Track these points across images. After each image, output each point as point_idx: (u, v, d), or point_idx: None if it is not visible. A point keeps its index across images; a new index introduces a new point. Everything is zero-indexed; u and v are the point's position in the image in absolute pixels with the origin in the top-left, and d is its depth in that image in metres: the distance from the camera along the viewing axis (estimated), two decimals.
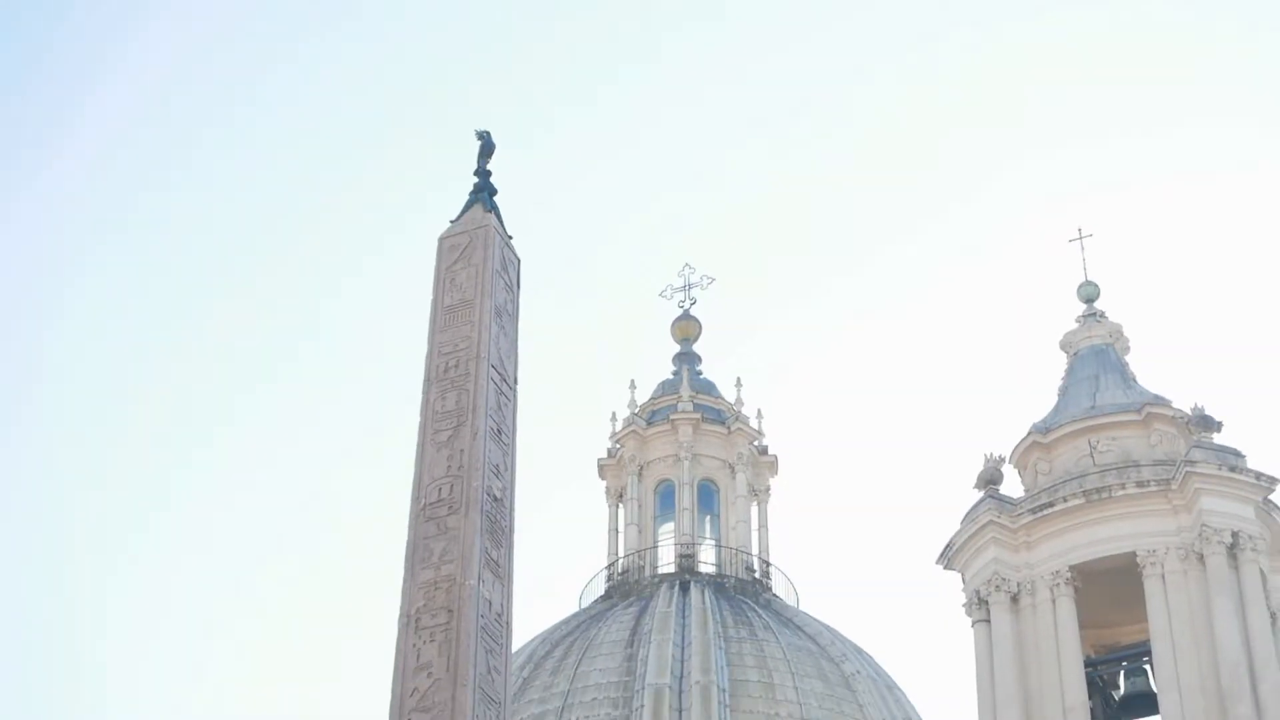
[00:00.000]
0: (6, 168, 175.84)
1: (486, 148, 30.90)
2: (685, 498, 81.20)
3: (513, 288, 32.49)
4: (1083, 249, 63.12)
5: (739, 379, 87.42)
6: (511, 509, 29.45)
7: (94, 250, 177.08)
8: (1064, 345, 64.79)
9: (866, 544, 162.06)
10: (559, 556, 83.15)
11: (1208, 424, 57.57)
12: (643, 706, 68.37)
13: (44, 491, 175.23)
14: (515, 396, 31.32)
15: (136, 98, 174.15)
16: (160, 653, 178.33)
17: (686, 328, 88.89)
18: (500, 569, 28.78)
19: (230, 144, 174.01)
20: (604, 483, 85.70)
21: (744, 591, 78.19)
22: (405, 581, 27.67)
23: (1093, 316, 64.39)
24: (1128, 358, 63.60)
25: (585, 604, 79.13)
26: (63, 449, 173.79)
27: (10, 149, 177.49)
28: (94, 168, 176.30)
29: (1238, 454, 56.84)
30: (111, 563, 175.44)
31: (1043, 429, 60.51)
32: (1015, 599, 56.99)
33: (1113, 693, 59.91)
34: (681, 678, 69.19)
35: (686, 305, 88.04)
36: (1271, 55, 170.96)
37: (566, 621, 76.54)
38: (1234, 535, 54.64)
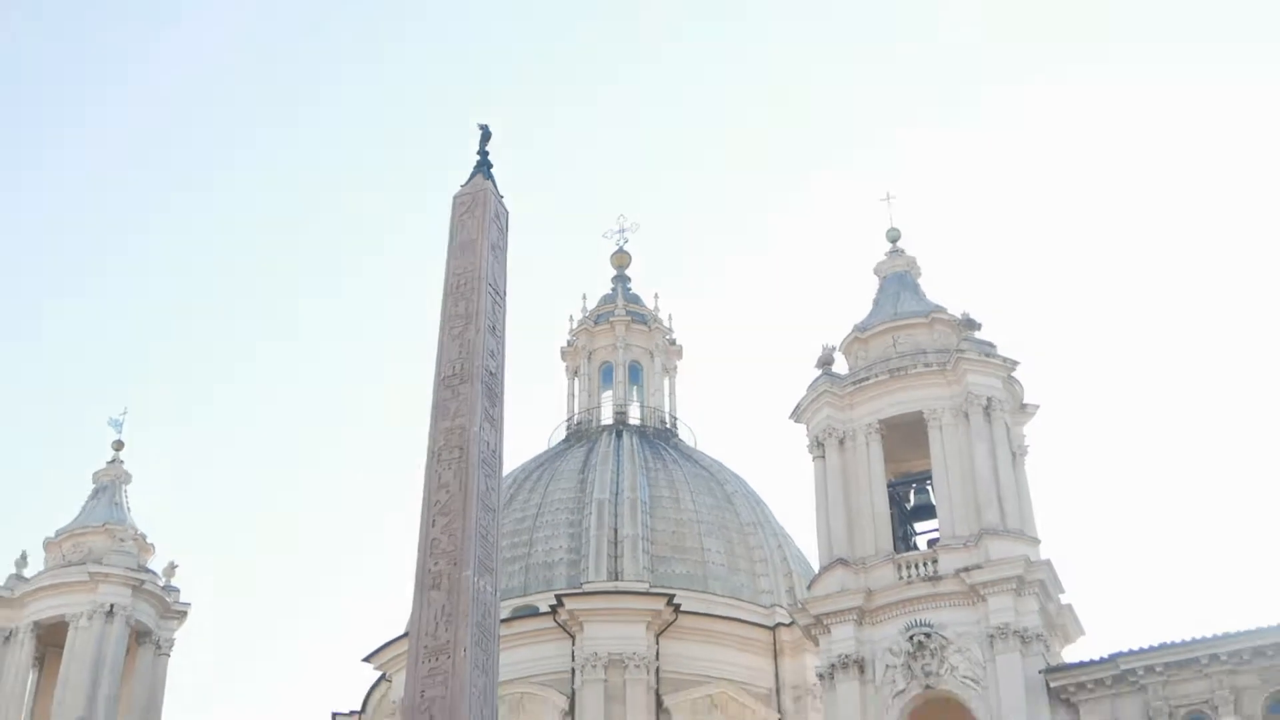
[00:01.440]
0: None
1: (485, 136, 34.88)
2: (619, 373, 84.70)
3: (504, 231, 35.34)
4: (890, 206, 64.79)
5: (656, 294, 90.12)
6: (502, 380, 32.49)
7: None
8: (876, 271, 65.08)
9: (745, 405, 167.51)
10: (534, 413, 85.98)
11: (971, 324, 58.39)
12: (591, 514, 70.79)
13: None
14: (504, 304, 33.97)
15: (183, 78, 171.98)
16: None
17: (621, 258, 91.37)
18: (495, 421, 31.65)
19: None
20: (564, 363, 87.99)
21: (660, 437, 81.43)
22: (431, 428, 30.76)
23: (896, 252, 65.02)
24: (919, 280, 64.27)
25: (551, 445, 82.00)
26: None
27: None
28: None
29: (991, 345, 57.95)
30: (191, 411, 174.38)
31: (861, 328, 61.13)
32: (842, 442, 57.60)
33: (906, 505, 60.99)
34: (616, 494, 71.68)
35: (621, 243, 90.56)
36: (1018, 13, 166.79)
37: (538, 457, 79.49)
38: (988, 400, 55.73)
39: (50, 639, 66.43)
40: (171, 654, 69.01)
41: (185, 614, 69.82)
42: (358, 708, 73.07)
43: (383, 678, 69.21)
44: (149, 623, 67.08)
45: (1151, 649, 49.21)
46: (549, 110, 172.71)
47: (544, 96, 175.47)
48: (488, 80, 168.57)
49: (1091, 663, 50.63)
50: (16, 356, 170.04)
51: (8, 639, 65.71)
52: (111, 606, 64.70)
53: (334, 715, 73.92)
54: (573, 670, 64.26)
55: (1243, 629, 48.60)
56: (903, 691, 51.28)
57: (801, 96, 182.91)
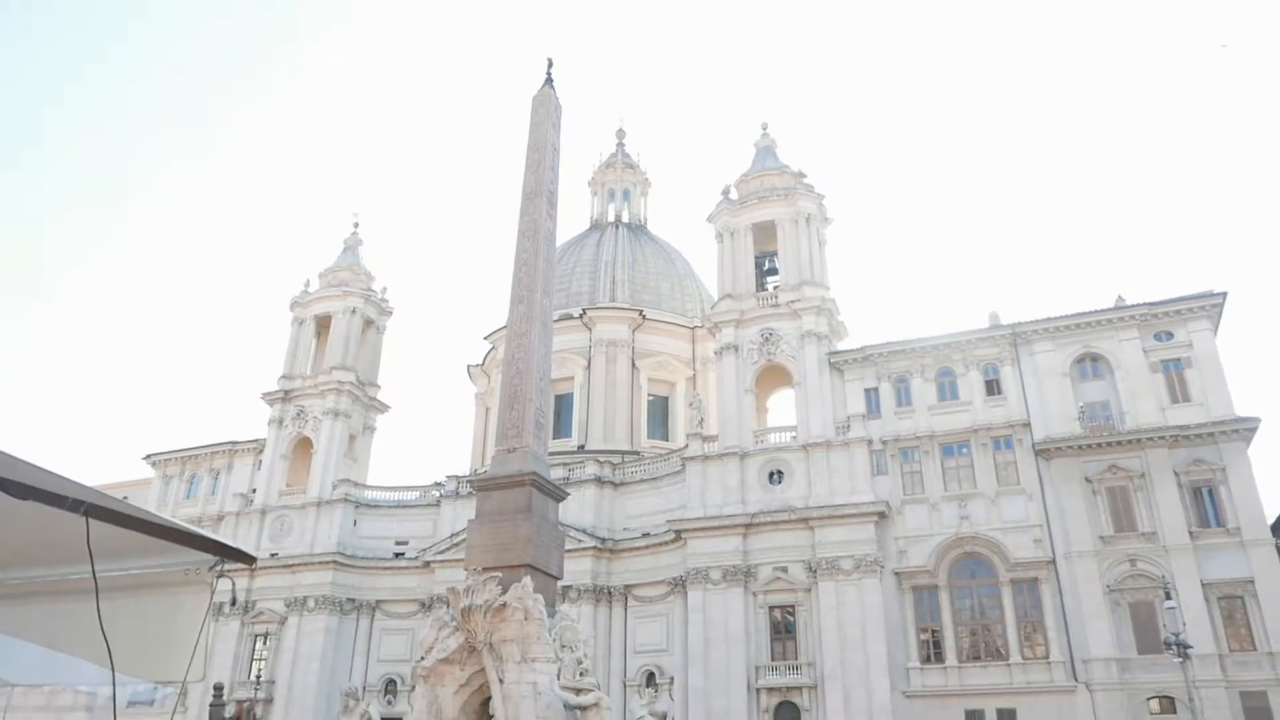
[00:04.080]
0: None
1: (549, 64, 34.97)
2: (618, 195, 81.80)
3: (560, 118, 36.99)
4: (763, 104, 62.53)
5: (639, 152, 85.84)
6: (557, 196, 34.54)
7: None
8: (755, 145, 61.87)
9: (683, 210, 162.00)
10: (574, 214, 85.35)
11: (801, 175, 58.42)
12: (601, 267, 72.25)
13: None
14: (559, 158, 36.16)
15: None
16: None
17: (620, 134, 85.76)
18: (553, 217, 34.24)
19: None
20: (590, 190, 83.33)
21: (638, 229, 79.51)
22: (520, 220, 33.80)
23: (764, 134, 61.77)
24: (777, 150, 61.64)
25: (581, 231, 79.76)
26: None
27: None
28: None
29: (811, 187, 57.87)
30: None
31: (745, 175, 59.57)
32: (733, 235, 58.09)
33: (764, 267, 59.11)
34: (614, 257, 73.06)
35: (620, 126, 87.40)
36: None
37: (575, 237, 77.61)
38: (808, 215, 56.58)
39: (324, 324, 67.99)
40: (384, 333, 70.61)
41: (392, 311, 70.60)
42: (480, 361, 74.99)
43: (492, 348, 70.69)
44: (372, 316, 69.03)
45: (880, 344, 52.76)
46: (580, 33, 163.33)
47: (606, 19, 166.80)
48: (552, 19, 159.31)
49: (851, 350, 53.91)
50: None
51: (301, 324, 68.19)
52: (355, 308, 67.31)
53: (468, 366, 76.23)
54: (589, 346, 67.33)
55: (924, 334, 52.34)
56: (756, 362, 55.02)
57: None
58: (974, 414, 49.44)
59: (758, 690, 47.03)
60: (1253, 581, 41.76)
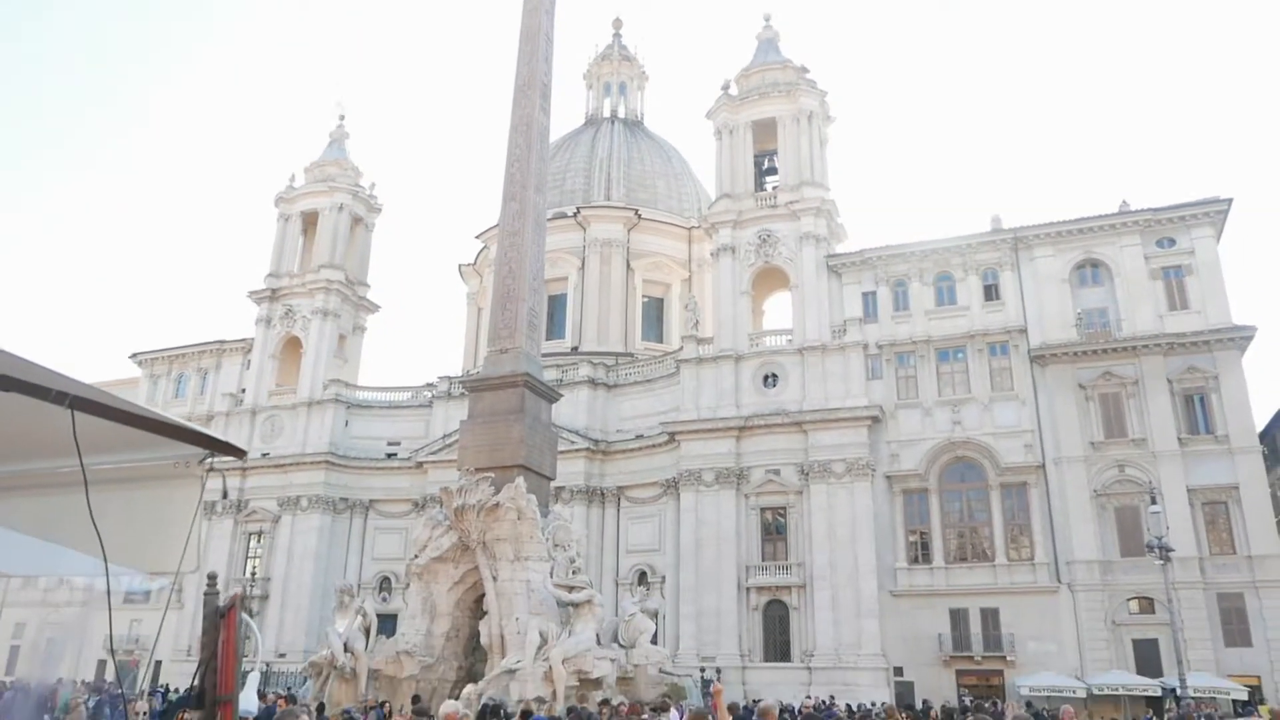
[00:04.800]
0: None
1: None
2: (614, 89, 79.94)
3: (551, 12, 35.41)
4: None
5: (637, 45, 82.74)
6: (550, 88, 33.88)
7: None
8: (756, 37, 60.53)
9: (681, 105, 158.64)
10: (567, 109, 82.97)
11: (804, 70, 57.02)
12: (596, 164, 70.78)
13: None
14: (553, 48, 35.28)
15: None
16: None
17: (617, 24, 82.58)
18: (546, 111, 33.45)
19: None
20: (585, 83, 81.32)
21: (634, 125, 77.88)
22: (512, 114, 33.16)
23: (767, 26, 60.56)
24: (780, 44, 60.22)
25: (576, 127, 77.70)
26: None
27: None
28: None
29: (814, 82, 56.51)
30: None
31: (746, 69, 58.30)
32: (732, 132, 56.91)
33: (763, 167, 58.56)
34: (610, 154, 71.52)
35: (618, 17, 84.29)
36: None
37: (569, 133, 75.77)
38: (810, 113, 55.54)
39: (311, 221, 66.99)
40: (374, 231, 69.98)
41: (381, 209, 69.83)
42: (472, 261, 74.14)
43: (484, 247, 69.86)
44: (361, 213, 68.15)
45: (879, 247, 52.65)
46: None
47: None
48: None
49: (849, 253, 53.78)
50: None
51: (287, 220, 67.12)
52: (342, 204, 66.30)
53: (459, 265, 75.42)
54: (583, 246, 66.59)
55: (924, 238, 52.10)
56: (753, 264, 54.78)
57: None
58: (971, 319, 49.59)
59: (747, 589, 48.36)
60: (1237, 488, 42.68)
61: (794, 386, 50.83)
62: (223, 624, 4.44)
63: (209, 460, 4.40)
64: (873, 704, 33.87)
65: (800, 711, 30.67)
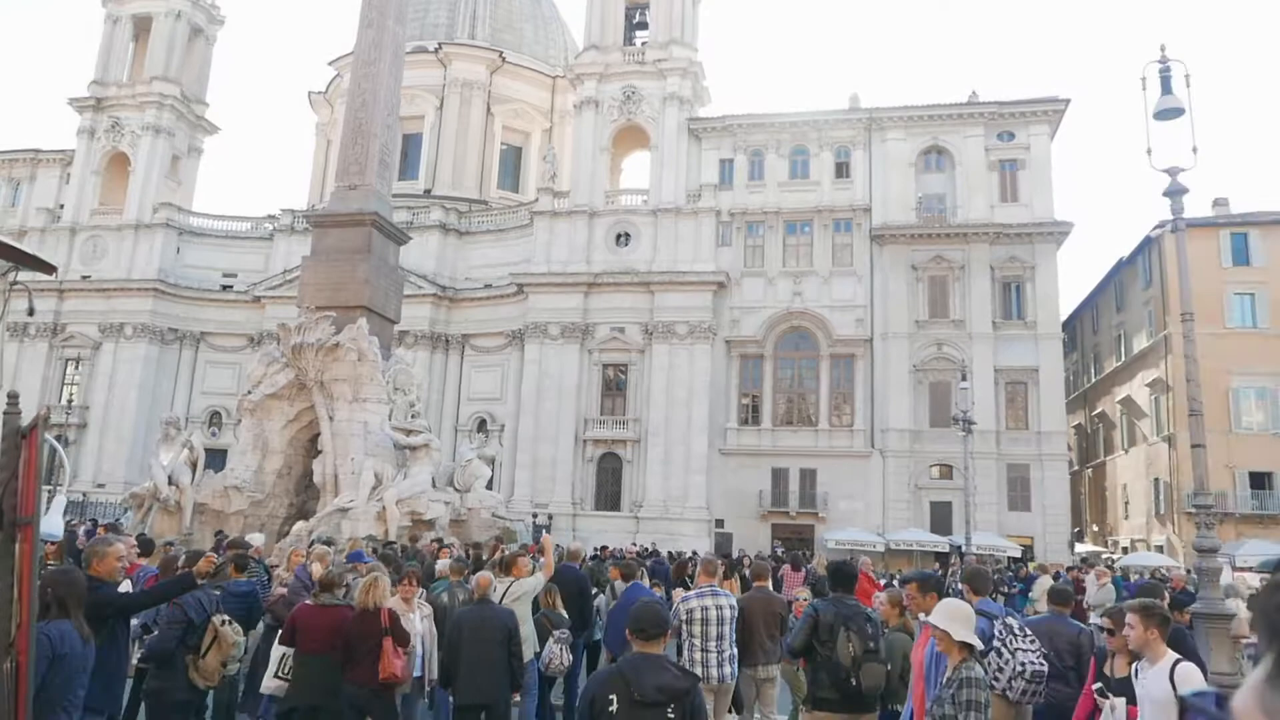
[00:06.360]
0: None
1: None
2: None
3: None
4: None
5: None
6: None
7: None
8: None
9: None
10: None
11: None
12: (461, 4, 69.43)
13: None
14: None
15: None
16: None
17: None
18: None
19: None
20: None
21: None
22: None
23: None
24: None
25: None
26: None
27: None
28: None
29: None
30: None
31: None
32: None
33: (634, 21, 56.10)
34: None
35: None
36: None
37: None
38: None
39: (144, 26, 61.47)
40: (215, 44, 64.62)
41: (224, 21, 64.32)
42: (323, 89, 70.26)
43: (337, 75, 66.28)
44: (201, 24, 62.69)
45: (741, 114, 52.39)
46: None
47: None
48: None
49: (712, 118, 53.49)
50: None
51: (116, 22, 61.09)
52: (180, 11, 60.68)
53: (309, 92, 71.18)
54: (443, 85, 63.49)
55: (783, 110, 52.46)
56: (615, 120, 53.81)
57: None
58: (820, 194, 50.77)
59: (584, 441, 49.72)
60: (1037, 370, 46.52)
61: (645, 247, 51.18)
62: (24, 444, 4.31)
63: (12, 273, 4.19)
64: (694, 552, 35.86)
65: (624, 555, 32.19)
